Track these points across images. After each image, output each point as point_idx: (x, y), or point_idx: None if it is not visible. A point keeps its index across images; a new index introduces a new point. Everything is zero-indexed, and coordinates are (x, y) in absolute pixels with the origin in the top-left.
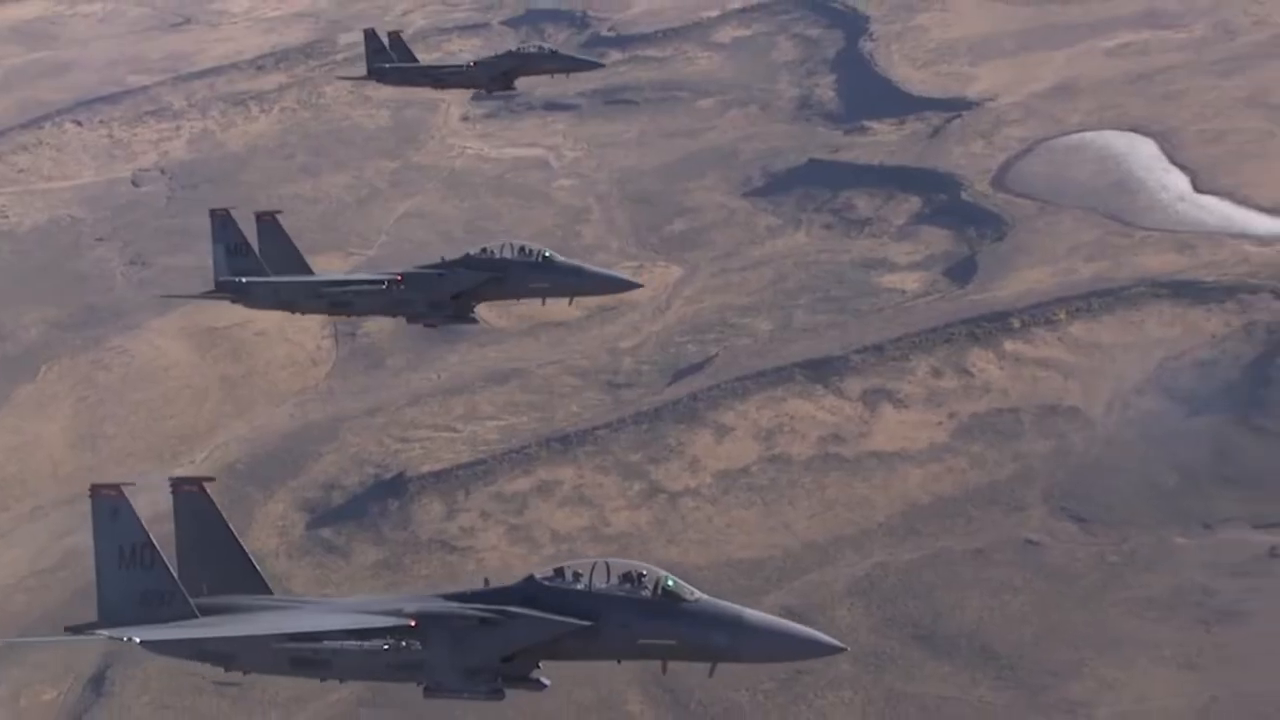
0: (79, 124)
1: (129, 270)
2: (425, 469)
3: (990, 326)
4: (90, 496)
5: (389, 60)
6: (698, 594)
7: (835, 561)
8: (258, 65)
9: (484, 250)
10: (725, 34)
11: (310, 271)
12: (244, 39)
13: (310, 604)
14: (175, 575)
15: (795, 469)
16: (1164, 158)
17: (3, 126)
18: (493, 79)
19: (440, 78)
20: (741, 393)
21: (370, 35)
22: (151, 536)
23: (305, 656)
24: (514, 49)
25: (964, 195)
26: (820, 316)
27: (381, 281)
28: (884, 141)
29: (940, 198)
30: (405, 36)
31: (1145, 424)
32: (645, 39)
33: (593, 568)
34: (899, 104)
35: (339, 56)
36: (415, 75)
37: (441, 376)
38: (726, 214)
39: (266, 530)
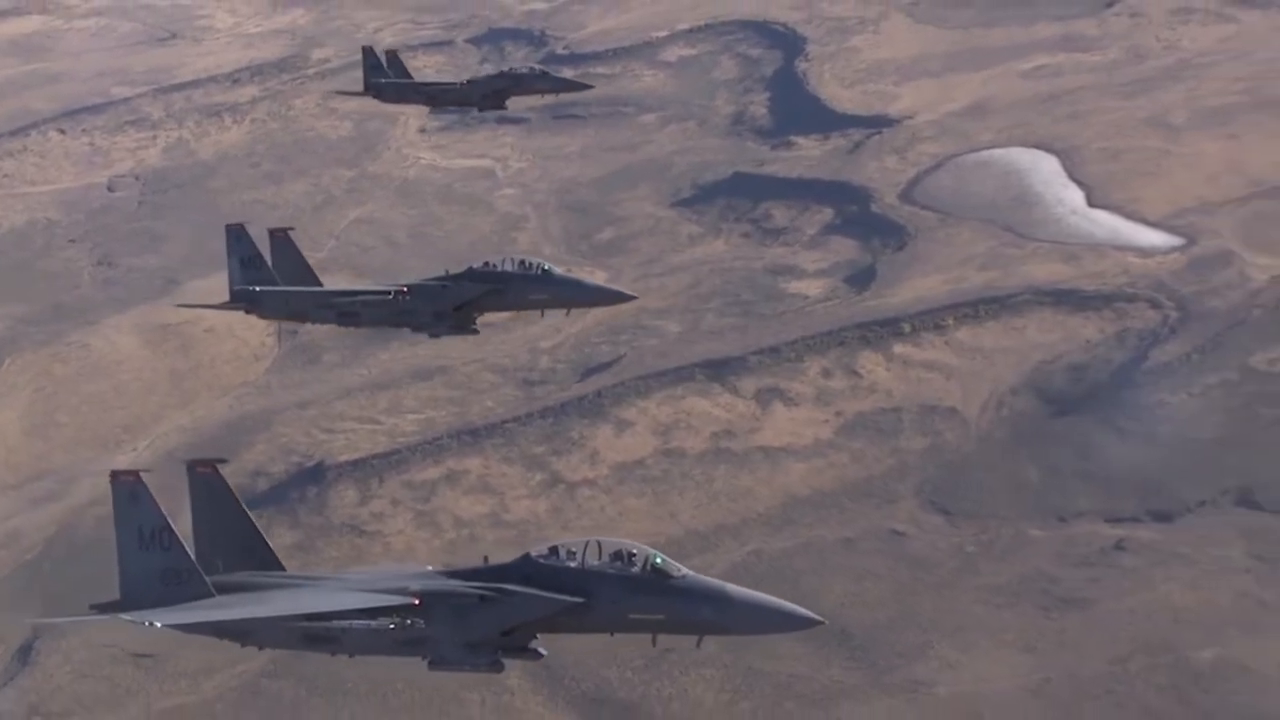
0: (63, 132)
1: (95, 270)
2: (343, 458)
3: (882, 331)
4: (110, 482)
5: (385, 77)
6: (685, 571)
7: (715, 548)
8: (234, 79)
9: (485, 264)
10: (672, 53)
11: (319, 283)
12: (224, 54)
13: (321, 581)
14: (192, 555)
15: (687, 462)
16: (1064, 173)
17: None
18: (485, 97)
19: (434, 95)
20: (644, 390)
21: (368, 52)
22: (169, 519)
23: (316, 634)
24: (506, 69)
25: (873, 207)
26: (726, 320)
27: (388, 293)
28: (807, 156)
29: (851, 209)
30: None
31: (1016, 423)
32: (596, 57)
33: (585, 546)
34: (826, 121)
35: (310, 71)
36: (410, 92)
37: (371, 372)
38: (653, 223)
39: (189, 513)
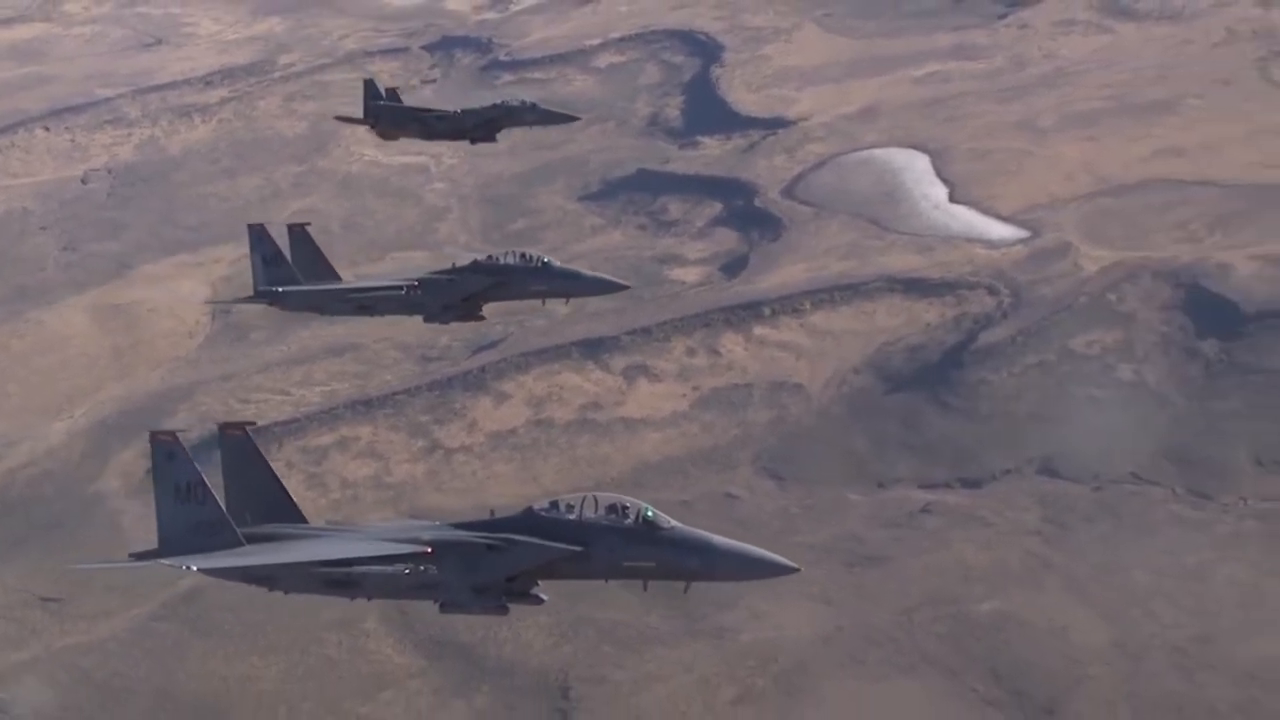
0: (48, 129)
1: (60, 255)
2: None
3: (745, 314)
4: (150, 441)
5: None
6: (673, 523)
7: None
8: (206, 81)
9: (489, 257)
10: (603, 59)
11: (336, 276)
12: (201, 58)
13: (341, 532)
14: (224, 508)
15: (555, 431)
16: (933, 172)
17: None
18: (477, 127)
19: (429, 123)
20: (524, 366)
21: (369, 84)
22: (203, 475)
23: (337, 579)
24: (499, 102)
25: (757, 201)
26: (608, 303)
27: (400, 287)
28: (708, 155)
29: (738, 203)
30: (337, 57)
31: (853, 399)
32: (534, 63)
33: (583, 500)
34: (730, 122)
35: (276, 75)
36: (407, 120)
37: (291, 349)
38: (562, 215)
39: (113, 473)
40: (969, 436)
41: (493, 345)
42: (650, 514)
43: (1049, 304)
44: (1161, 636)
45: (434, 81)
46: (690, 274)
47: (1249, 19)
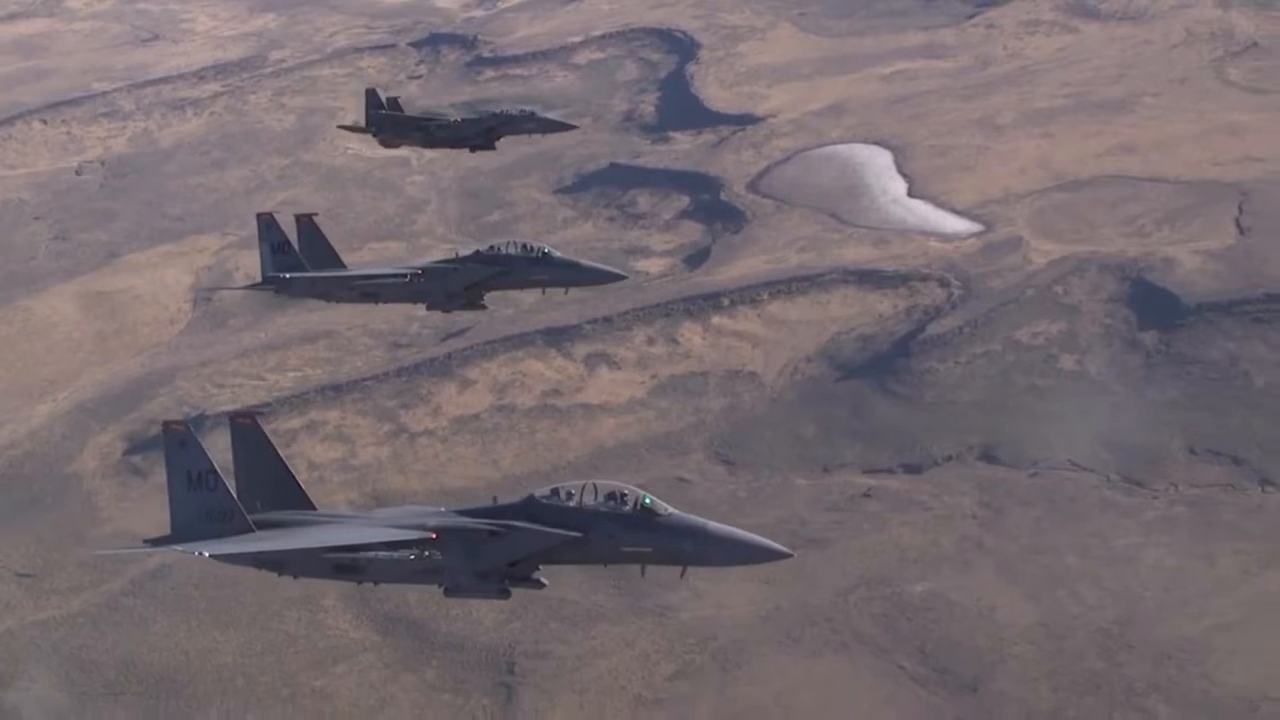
0: (45, 122)
1: (51, 244)
2: (222, 409)
3: (704, 304)
4: (162, 431)
5: (384, 118)
6: (670, 510)
7: (523, 490)
8: (200, 75)
9: (491, 247)
10: (584, 56)
11: (342, 264)
12: (195, 54)
13: (348, 519)
14: (235, 496)
15: (516, 416)
16: (894, 167)
17: None
18: (477, 135)
19: (431, 132)
20: (490, 353)
21: (371, 93)
22: (214, 463)
23: (345, 564)
24: (498, 110)
25: (723, 195)
26: (574, 292)
27: (405, 275)
28: (679, 150)
29: (704, 197)
30: (327, 54)
31: (805, 387)
32: (517, 60)
33: (583, 488)
34: (702, 118)
35: (267, 70)
36: (409, 129)
37: (268, 335)
38: (535, 207)
39: (91, 454)
40: (913, 423)
41: (460, 333)
42: (648, 501)
43: (997, 296)
44: (1085, 618)
45: (420, 78)
46: (655, 265)
47: (1208, 20)
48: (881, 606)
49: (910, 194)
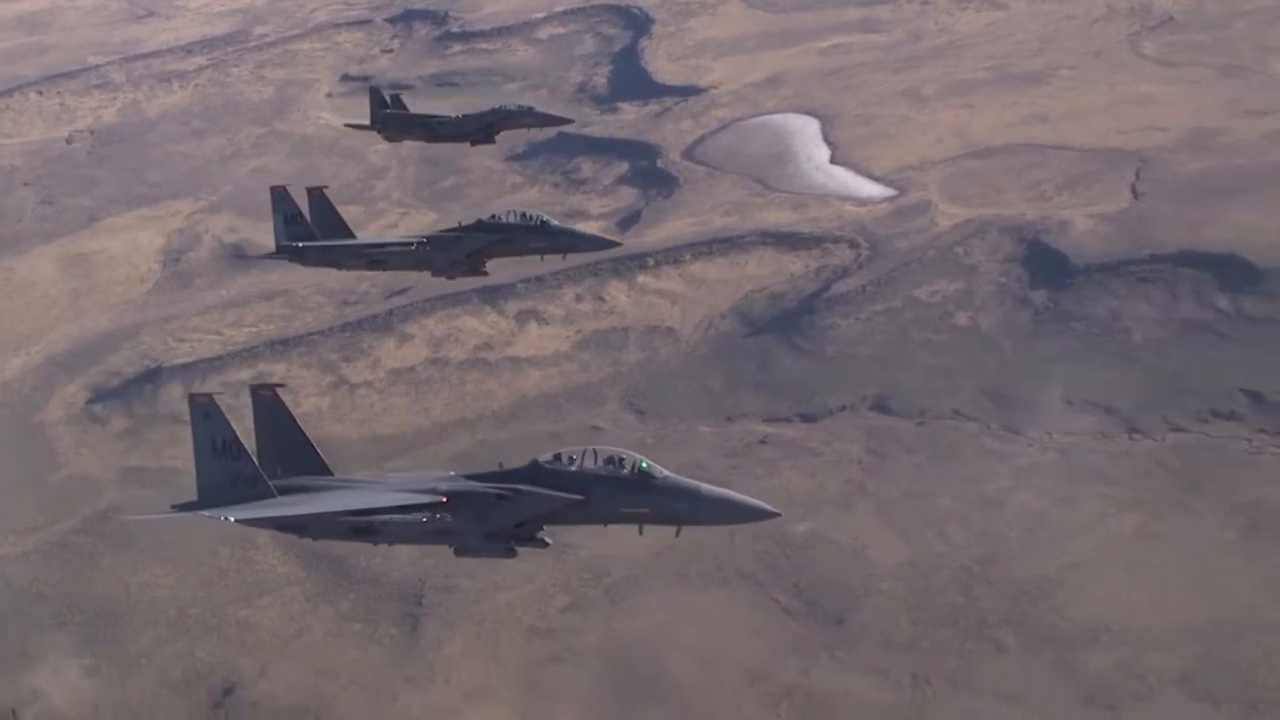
0: (41, 94)
1: (38, 208)
2: (178, 362)
3: (631, 264)
4: (188, 403)
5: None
6: (666, 473)
7: (451, 438)
8: (188, 50)
9: (493, 216)
10: (545, 31)
11: (351, 234)
12: (185, 29)
13: (364, 484)
14: (256, 463)
15: (449, 369)
16: (820, 135)
17: None
18: (477, 131)
19: (433, 128)
20: (429, 310)
21: (374, 92)
22: (236, 433)
23: (361, 527)
24: (497, 106)
25: (659, 162)
26: None
27: (410, 244)
28: (625, 119)
29: (642, 164)
30: (307, 29)
31: (717, 341)
32: (483, 34)
33: (584, 453)
34: (649, 90)
35: (251, 44)
36: (412, 126)
37: (229, 293)
38: (487, 173)
39: (56, 404)
40: (813, 376)
41: (403, 291)
42: (645, 465)
43: (902, 256)
44: (950, 556)
45: (392, 51)
46: (590, 227)
47: None
48: (764, 545)
49: (833, 161)
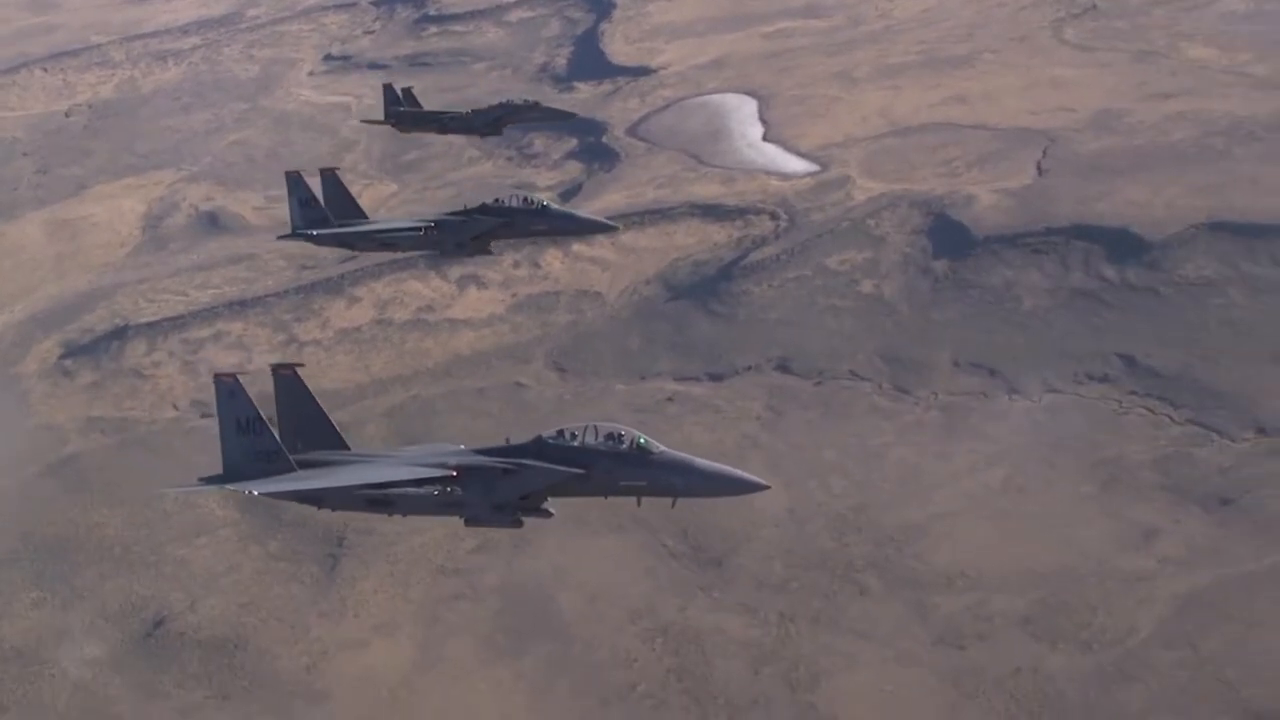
0: (45, 70)
1: (34, 177)
2: (143, 320)
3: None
4: (214, 382)
5: (402, 107)
6: (662, 448)
7: (387, 392)
8: (184, 30)
9: (496, 201)
10: (515, 15)
11: (363, 215)
12: (183, 10)
13: (379, 457)
14: (278, 438)
15: (391, 329)
16: (756, 114)
17: None
18: (486, 124)
19: (444, 123)
20: (377, 275)
21: (388, 89)
22: (259, 410)
23: (376, 499)
24: (504, 101)
25: (605, 139)
26: None
27: (419, 228)
28: (579, 98)
29: (590, 140)
30: (296, 11)
31: (640, 305)
32: (456, 17)
33: (585, 429)
34: (605, 70)
35: (243, 25)
36: (424, 120)
37: (199, 258)
38: (447, 148)
39: (31, 359)
40: (725, 338)
41: (354, 257)
42: (643, 441)
43: (817, 227)
44: (828, 505)
45: (373, 33)
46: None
47: None
48: None
49: (764, 138)
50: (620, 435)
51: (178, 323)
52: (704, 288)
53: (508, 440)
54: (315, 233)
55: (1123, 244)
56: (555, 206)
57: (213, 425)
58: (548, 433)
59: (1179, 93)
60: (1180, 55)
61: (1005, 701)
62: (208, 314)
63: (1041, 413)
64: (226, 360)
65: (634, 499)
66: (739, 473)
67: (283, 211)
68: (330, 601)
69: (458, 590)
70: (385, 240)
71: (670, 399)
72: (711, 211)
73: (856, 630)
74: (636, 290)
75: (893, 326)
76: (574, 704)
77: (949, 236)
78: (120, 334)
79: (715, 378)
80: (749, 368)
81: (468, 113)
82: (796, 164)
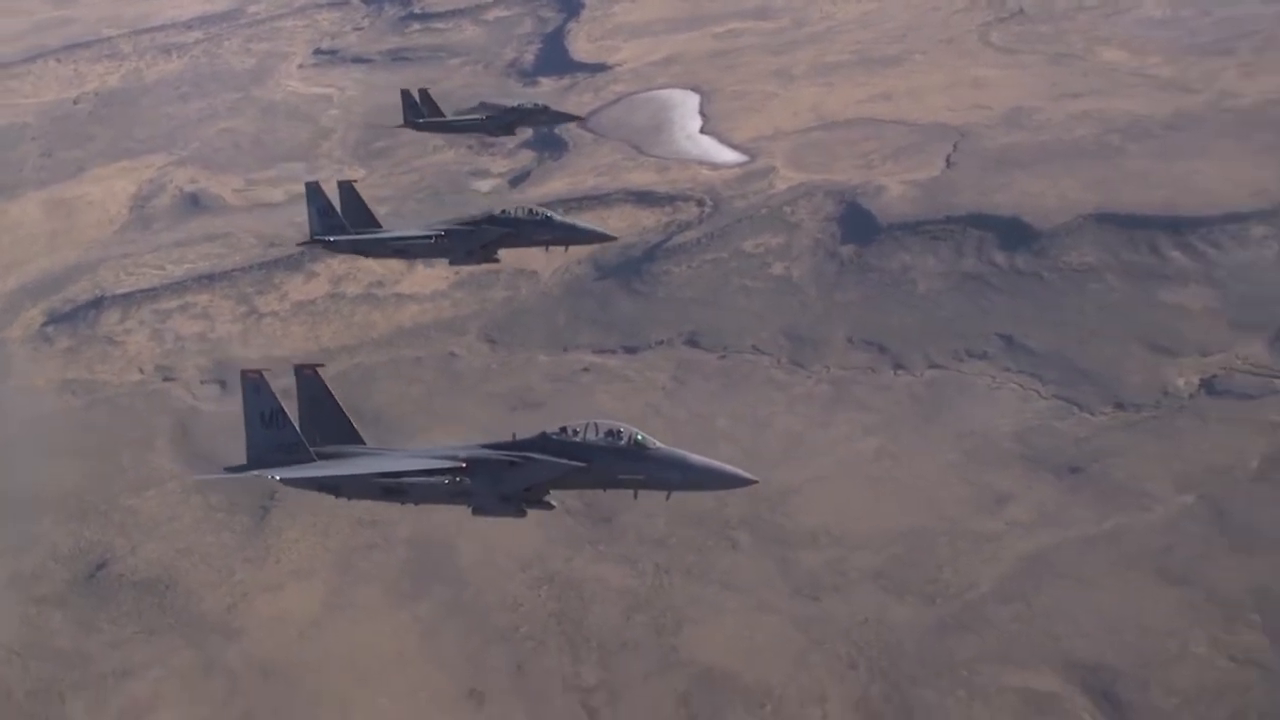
0: (59, 61)
1: (39, 160)
2: (119, 291)
3: None
4: (240, 378)
5: (420, 114)
6: (658, 444)
7: (334, 360)
8: (188, 25)
9: (503, 211)
10: (492, 14)
11: (377, 224)
12: (189, 6)
13: (394, 451)
14: (299, 431)
15: (344, 302)
16: (697, 108)
17: (10, 60)
18: (499, 128)
19: (460, 128)
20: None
21: (405, 94)
22: (282, 405)
23: (391, 488)
24: (516, 105)
25: (556, 129)
26: (417, 205)
27: (430, 237)
28: (541, 92)
29: (543, 131)
30: (293, 8)
31: (570, 284)
32: (439, 15)
33: (586, 426)
34: (567, 67)
35: (243, 21)
36: (441, 125)
37: (178, 235)
38: (415, 137)
39: (17, 326)
40: (643, 315)
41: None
42: (640, 438)
43: (737, 214)
44: None
45: (362, 29)
46: (486, 184)
47: None
48: None
49: (702, 131)
50: (619, 432)
51: (150, 294)
52: (629, 268)
53: (514, 436)
54: (332, 238)
55: (1014, 232)
56: (558, 218)
57: (173, 388)
58: (551, 429)
59: (1087, 93)
60: (1095, 58)
61: (849, 648)
62: (179, 287)
63: (921, 386)
64: (191, 329)
65: (630, 491)
66: (729, 468)
67: (260, 193)
68: (256, 548)
69: (372, 540)
70: (398, 248)
71: (586, 369)
72: (644, 198)
73: (724, 582)
74: (569, 270)
75: (797, 306)
76: (462, 643)
77: (858, 224)
78: (98, 304)
79: (630, 350)
80: (661, 342)
81: (484, 118)
82: (728, 155)
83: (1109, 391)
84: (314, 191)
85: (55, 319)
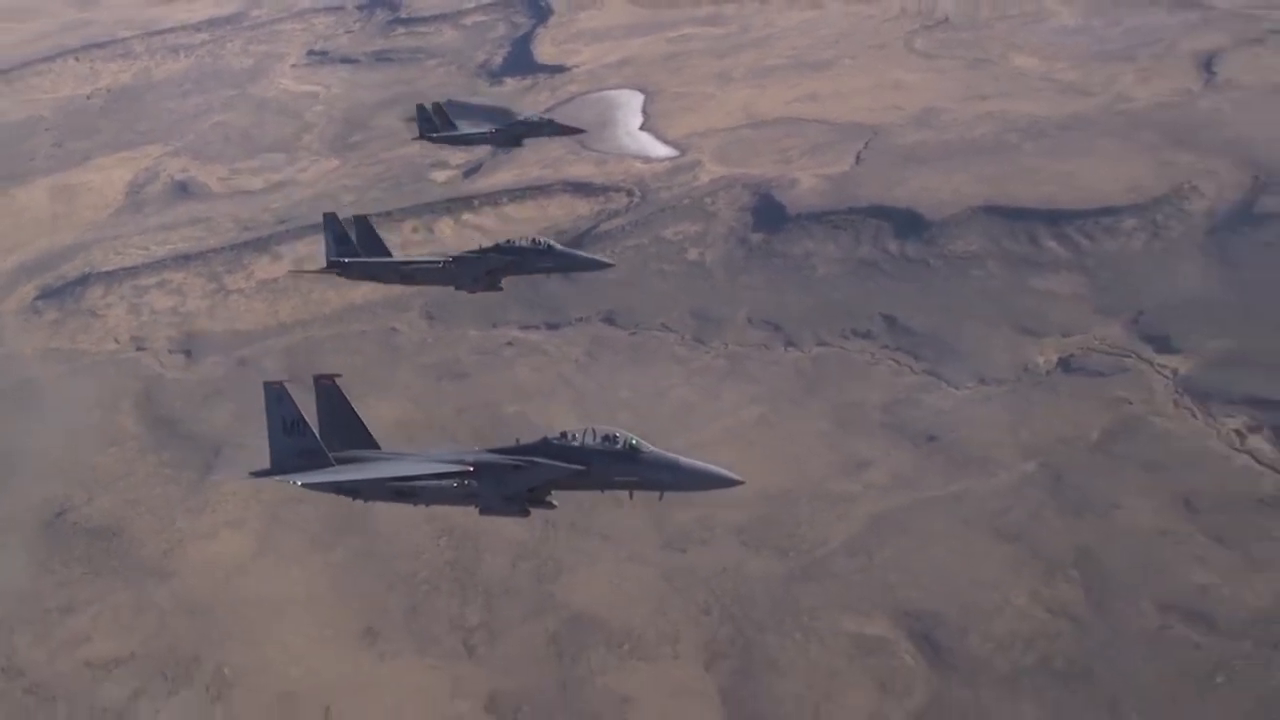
0: (77, 59)
1: (50, 150)
2: (104, 269)
3: (460, 205)
4: (264, 388)
5: (434, 127)
6: (651, 447)
7: (289, 334)
8: (197, 27)
9: (508, 241)
10: (470, 19)
11: (388, 252)
12: (200, 10)
13: (405, 456)
14: (319, 438)
15: (304, 282)
16: (641, 107)
17: (34, 58)
18: (508, 140)
19: (472, 141)
20: (300, 236)
21: (420, 108)
22: (302, 413)
23: (403, 490)
24: (520, 119)
25: None
26: (380, 194)
27: (438, 263)
28: (504, 91)
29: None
30: (292, 12)
31: None
32: (422, 19)
33: (585, 432)
34: (530, 68)
35: (245, 24)
36: (453, 138)
37: (166, 219)
38: (389, 132)
39: (13, 300)
40: (567, 294)
41: (284, 222)
42: (635, 442)
43: (662, 204)
44: None
45: (352, 32)
46: (442, 175)
47: None
48: (483, 420)
49: (641, 128)
50: (615, 437)
51: (132, 272)
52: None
53: (518, 441)
54: (347, 260)
55: (908, 222)
56: (558, 247)
57: (144, 356)
58: (552, 435)
59: (995, 95)
60: (1008, 63)
61: (706, 596)
62: (158, 265)
63: (808, 362)
64: (164, 304)
65: (626, 492)
66: (716, 470)
67: (241, 181)
68: (195, 501)
69: (300, 494)
70: (407, 273)
71: (510, 344)
72: (581, 189)
73: (602, 534)
74: None
75: (706, 288)
76: (367, 587)
77: (769, 214)
78: (85, 280)
79: (552, 327)
80: (580, 319)
81: (494, 130)
82: (662, 150)
83: (974, 368)
84: (330, 221)
85: (46, 294)
